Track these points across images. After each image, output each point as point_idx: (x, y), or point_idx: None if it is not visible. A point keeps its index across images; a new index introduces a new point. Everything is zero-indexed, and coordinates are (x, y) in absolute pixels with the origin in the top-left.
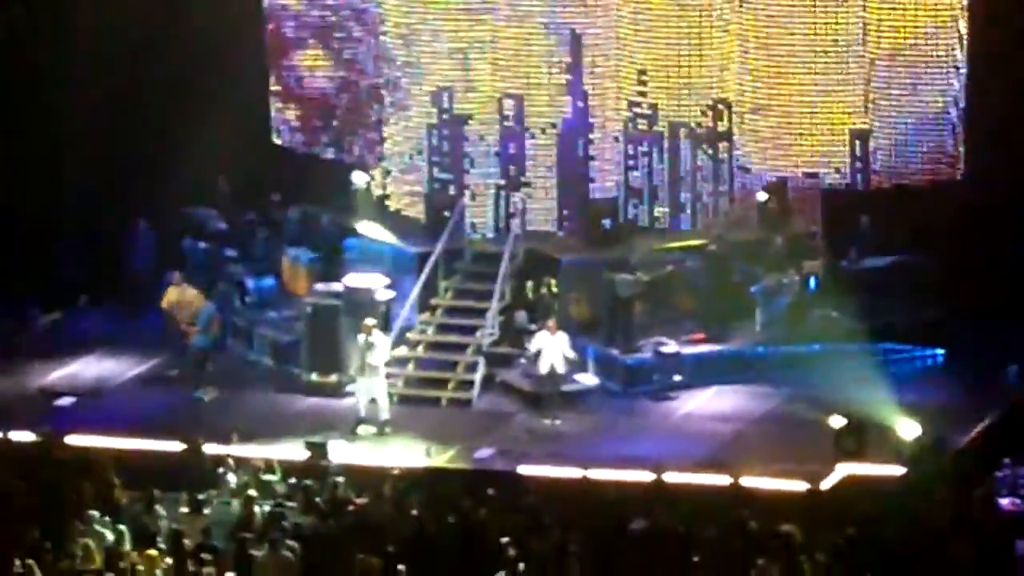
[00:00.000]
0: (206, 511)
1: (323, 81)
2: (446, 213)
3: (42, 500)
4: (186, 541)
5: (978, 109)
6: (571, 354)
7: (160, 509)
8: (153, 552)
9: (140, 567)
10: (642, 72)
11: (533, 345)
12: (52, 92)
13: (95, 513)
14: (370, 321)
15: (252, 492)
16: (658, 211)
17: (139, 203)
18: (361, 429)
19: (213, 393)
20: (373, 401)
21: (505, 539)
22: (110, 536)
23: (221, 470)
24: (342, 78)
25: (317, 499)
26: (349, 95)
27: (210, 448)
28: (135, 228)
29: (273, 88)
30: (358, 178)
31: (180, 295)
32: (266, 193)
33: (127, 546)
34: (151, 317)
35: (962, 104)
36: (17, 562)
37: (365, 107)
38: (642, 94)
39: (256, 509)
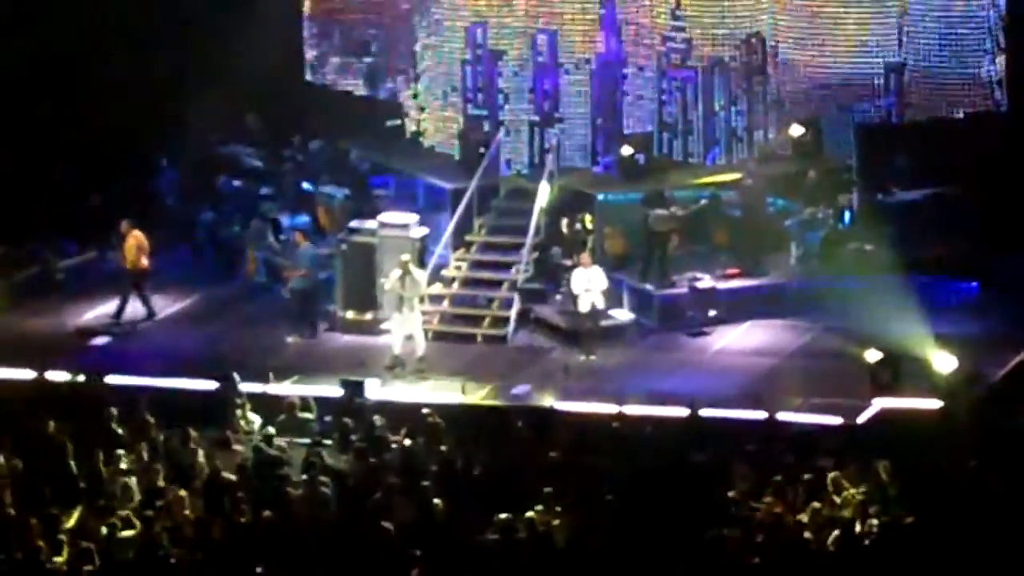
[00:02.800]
0: (241, 449)
1: (356, 17)
2: (481, 150)
3: (78, 439)
4: (222, 478)
5: (1018, 41)
6: (606, 285)
7: (196, 447)
8: (185, 492)
9: (177, 505)
10: (676, 5)
11: (573, 286)
12: (81, 33)
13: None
14: (405, 257)
15: (288, 430)
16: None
17: (171, 140)
18: (395, 370)
19: (298, 338)
20: (409, 338)
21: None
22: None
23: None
24: (376, 14)
25: (353, 437)
26: (382, 31)
27: (245, 386)
28: (157, 165)
29: (306, 24)
30: (392, 115)
31: (137, 242)
32: (299, 131)
33: (162, 483)
34: (183, 254)
35: (1000, 36)
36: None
37: (399, 43)
38: (676, 28)
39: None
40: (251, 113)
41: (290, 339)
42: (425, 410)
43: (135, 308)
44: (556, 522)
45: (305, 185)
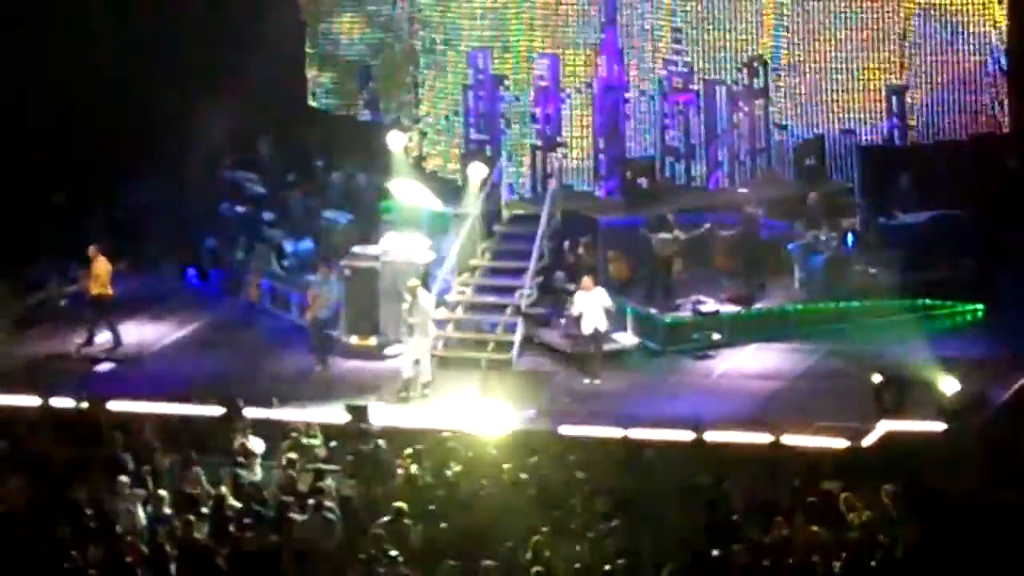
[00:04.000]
0: (247, 475)
1: (359, 44)
2: (483, 174)
3: (83, 465)
4: (227, 504)
5: (1019, 63)
6: (610, 304)
7: (201, 473)
8: (192, 517)
9: (182, 531)
10: (677, 30)
11: (575, 308)
12: (92, 53)
13: (136, 478)
14: (414, 282)
15: (293, 456)
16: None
17: (174, 167)
18: (401, 394)
19: (322, 367)
20: (416, 362)
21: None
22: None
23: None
24: (378, 40)
25: (358, 462)
26: (385, 57)
27: (250, 412)
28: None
29: (309, 51)
30: (394, 140)
31: (104, 267)
32: (303, 156)
33: (167, 510)
34: (188, 281)
35: (1002, 58)
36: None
37: (401, 69)
38: (677, 52)
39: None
40: (262, 137)
41: (318, 368)
42: (445, 434)
43: (139, 332)
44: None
45: (327, 214)
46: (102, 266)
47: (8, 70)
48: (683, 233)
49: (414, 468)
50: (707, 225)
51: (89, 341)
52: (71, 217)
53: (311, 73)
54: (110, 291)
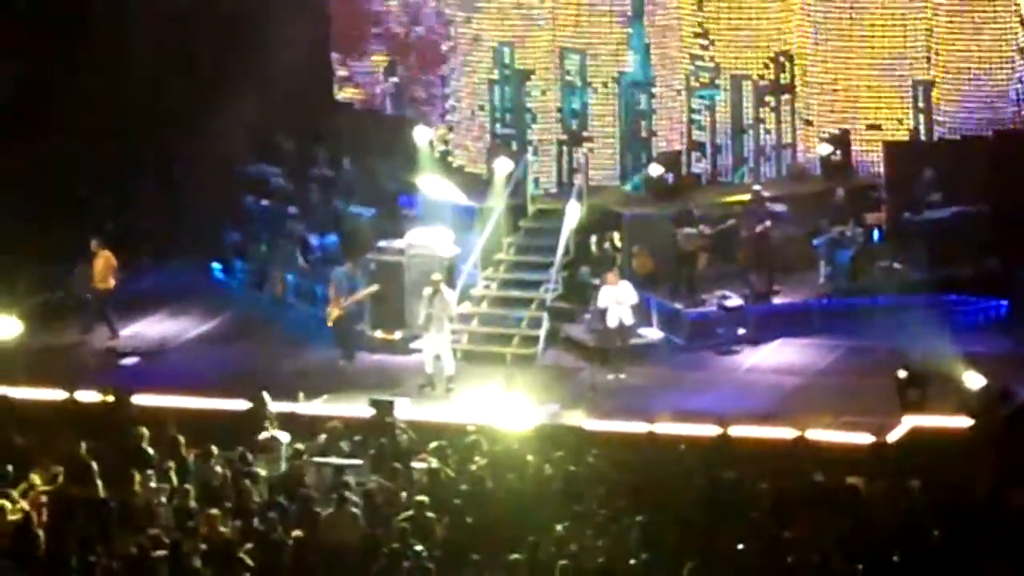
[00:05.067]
0: (272, 468)
1: (385, 36)
2: (509, 168)
3: (109, 460)
4: (251, 498)
5: None
6: (635, 298)
7: (225, 466)
8: (216, 512)
9: (207, 525)
10: (702, 24)
11: (600, 302)
12: (112, 52)
13: (160, 472)
14: (437, 276)
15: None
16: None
17: (201, 160)
18: (425, 388)
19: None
20: (438, 358)
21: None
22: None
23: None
24: (404, 34)
25: (382, 456)
26: (411, 51)
27: (275, 406)
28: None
29: (335, 44)
30: (421, 134)
31: (106, 261)
32: (329, 150)
33: (193, 503)
34: (212, 275)
35: None
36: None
37: (427, 63)
38: (704, 47)
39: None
40: (281, 131)
41: (342, 362)
42: (469, 427)
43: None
44: (585, 542)
45: (351, 208)
46: (102, 261)
47: (30, 68)
48: (708, 228)
49: (436, 463)
50: (731, 220)
51: (113, 334)
52: (95, 210)
53: (336, 67)
54: (111, 285)
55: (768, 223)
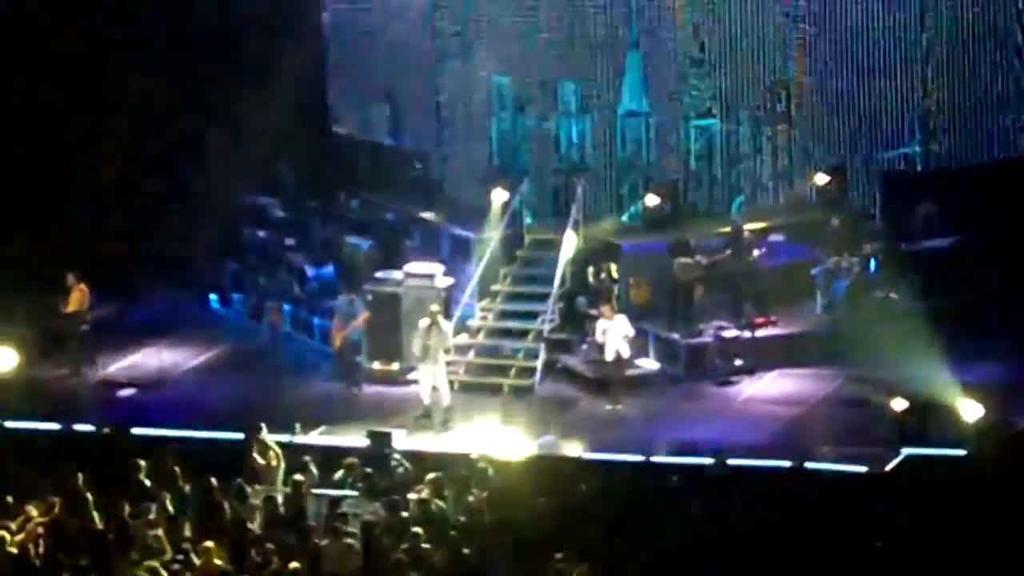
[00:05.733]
0: (269, 500)
1: (382, 67)
2: (505, 198)
3: (106, 492)
4: (250, 529)
5: None
6: (631, 332)
7: (223, 498)
8: (212, 543)
9: (205, 557)
10: (700, 54)
11: (597, 335)
12: (109, 80)
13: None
14: (434, 307)
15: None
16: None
17: (199, 192)
18: (422, 420)
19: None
20: (435, 389)
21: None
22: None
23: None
24: (400, 64)
25: (380, 488)
26: (407, 80)
27: (272, 438)
28: None
29: (330, 75)
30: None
31: (82, 293)
32: (325, 182)
33: (189, 534)
34: (210, 306)
35: None
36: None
37: (422, 93)
38: (700, 76)
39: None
40: (282, 164)
41: (354, 390)
42: (473, 456)
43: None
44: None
45: (349, 239)
46: (77, 295)
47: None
48: (705, 258)
49: (427, 493)
50: (728, 251)
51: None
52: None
53: (333, 98)
54: (87, 319)
55: (756, 253)
